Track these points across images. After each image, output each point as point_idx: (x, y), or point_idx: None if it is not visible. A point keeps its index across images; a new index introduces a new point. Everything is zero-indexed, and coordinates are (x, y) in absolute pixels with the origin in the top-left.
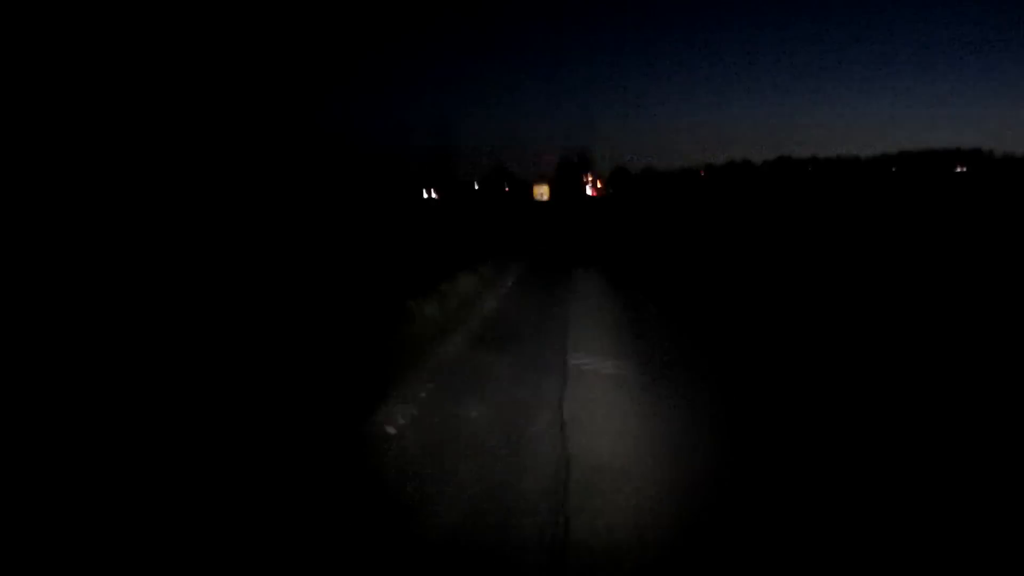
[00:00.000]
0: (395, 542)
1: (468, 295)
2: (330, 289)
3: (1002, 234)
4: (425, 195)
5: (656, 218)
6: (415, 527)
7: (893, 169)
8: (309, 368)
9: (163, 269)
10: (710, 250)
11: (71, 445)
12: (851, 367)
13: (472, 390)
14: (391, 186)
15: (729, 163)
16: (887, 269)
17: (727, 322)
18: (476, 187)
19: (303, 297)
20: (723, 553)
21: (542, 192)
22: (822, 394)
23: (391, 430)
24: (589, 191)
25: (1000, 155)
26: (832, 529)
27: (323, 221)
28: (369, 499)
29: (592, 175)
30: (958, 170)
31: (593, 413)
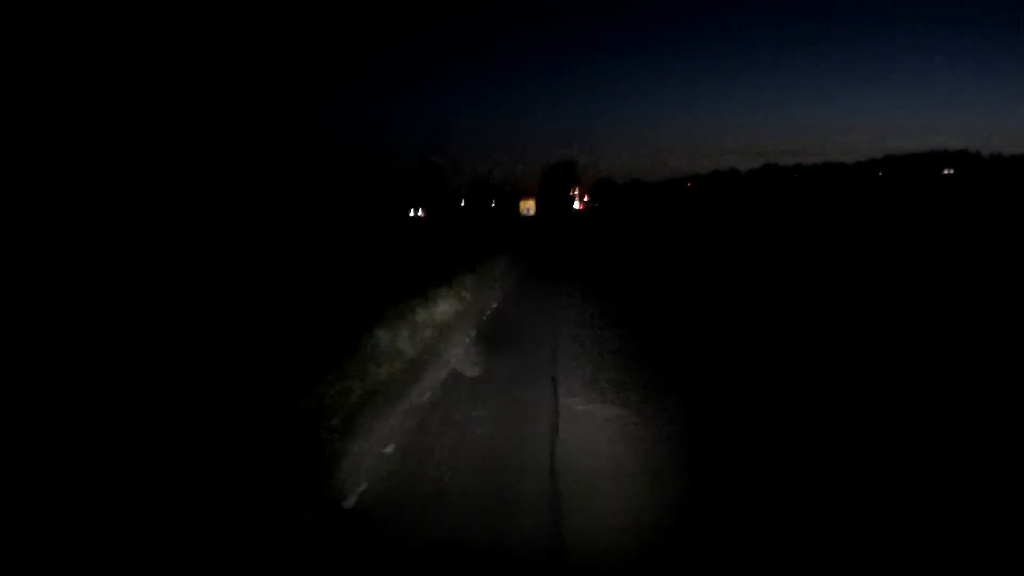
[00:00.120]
0: None
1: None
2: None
3: (994, 233)
4: (412, 213)
5: (647, 231)
6: None
7: (880, 174)
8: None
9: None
10: (705, 266)
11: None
12: (848, 368)
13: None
14: (375, 200)
15: (714, 172)
16: (876, 271)
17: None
18: (463, 203)
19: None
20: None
21: (528, 207)
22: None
23: None
24: (577, 205)
25: (987, 156)
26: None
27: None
28: None
29: (579, 188)
30: (946, 172)
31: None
